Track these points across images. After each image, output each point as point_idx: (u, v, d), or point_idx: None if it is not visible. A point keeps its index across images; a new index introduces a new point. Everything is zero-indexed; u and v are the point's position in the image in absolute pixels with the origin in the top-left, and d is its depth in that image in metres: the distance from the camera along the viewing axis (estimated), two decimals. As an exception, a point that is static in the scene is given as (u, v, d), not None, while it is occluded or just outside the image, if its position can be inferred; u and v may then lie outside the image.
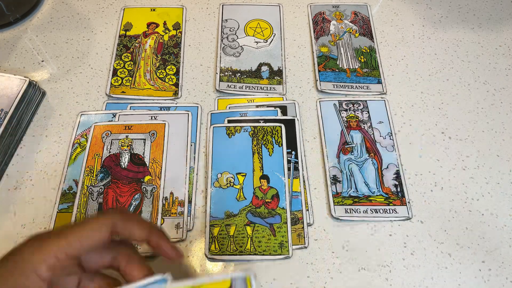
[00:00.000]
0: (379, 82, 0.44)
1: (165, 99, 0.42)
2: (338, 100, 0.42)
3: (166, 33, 0.47)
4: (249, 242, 0.34)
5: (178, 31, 0.47)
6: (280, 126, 0.40)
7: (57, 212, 0.36)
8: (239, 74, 0.44)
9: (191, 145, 0.39)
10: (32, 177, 0.38)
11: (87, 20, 0.49)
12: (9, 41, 0.46)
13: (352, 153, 0.39)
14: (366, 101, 0.42)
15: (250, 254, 0.34)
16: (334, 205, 0.36)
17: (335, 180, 0.38)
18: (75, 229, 0.23)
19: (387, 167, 0.39)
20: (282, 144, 0.39)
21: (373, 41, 0.47)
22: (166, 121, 0.40)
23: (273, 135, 0.39)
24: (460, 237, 0.35)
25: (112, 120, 0.41)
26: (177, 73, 0.44)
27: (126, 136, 0.39)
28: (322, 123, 0.41)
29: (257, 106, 0.42)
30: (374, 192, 0.37)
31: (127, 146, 0.39)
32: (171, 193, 0.37)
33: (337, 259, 0.34)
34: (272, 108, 0.42)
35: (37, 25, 0.48)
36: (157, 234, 0.25)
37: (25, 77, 0.40)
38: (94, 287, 0.26)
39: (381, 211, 0.36)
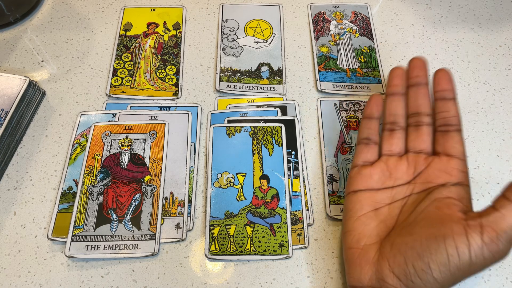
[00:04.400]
0: (379, 82, 0.44)
1: (165, 99, 0.42)
2: (338, 100, 0.42)
3: (166, 33, 0.47)
4: (249, 242, 0.34)
5: (178, 31, 0.47)
6: (280, 126, 0.40)
7: (57, 212, 0.36)
8: (239, 74, 0.44)
9: (191, 145, 0.39)
10: (32, 177, 0.38)
11: (87, 20, 0.49)
12: (9, 41, 0.46)
13: (351, 153, 0.39)
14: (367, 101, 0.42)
15: (250, 254, 0.34)
16: (329, 204, 0.36)
17: (331, 179, 0.38)
18: None
19: None
20: (282, 144, 0.39)
21: (373, 41, 0.47)
22: (166, 121, 0.40)
23: (273, 135, 0.39)
24: (460, 237, 0.35)
25: (112, 120, 0.41)
26: (177, 73, 0.44)
27: (126, 136, 0.39)
28: (321, 123, 0.41)
29: (257, 106, 0.42)
30: (373, 192, 0.37)
31: (127, 146, 0.39)
32: (171, 193, 0.37)
33: (337, 259, 0.34)
34: (272, 108, 0.42)
35: (37, 25, 0.48)
36: None
37: (25, 77, 0.40)
38: None
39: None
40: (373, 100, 0.34)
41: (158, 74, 0.44)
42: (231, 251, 0.34)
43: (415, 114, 0.33)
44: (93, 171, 0.37)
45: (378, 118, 0.34)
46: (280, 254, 0.34)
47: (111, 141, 0.39)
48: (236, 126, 0.40)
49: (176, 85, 0.43)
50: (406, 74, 0.35)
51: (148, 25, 0.48)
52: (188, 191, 0.37)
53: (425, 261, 0.25)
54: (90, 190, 0.36)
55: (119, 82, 0.43)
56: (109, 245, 0.34)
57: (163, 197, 0.36)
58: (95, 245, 0.34)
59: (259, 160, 0.38)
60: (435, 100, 0.33)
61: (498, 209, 0.25)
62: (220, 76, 0.44)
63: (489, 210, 0.25)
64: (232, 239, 0.34)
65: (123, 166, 0.38)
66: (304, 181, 0.38)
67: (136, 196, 0.36)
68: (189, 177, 0.38)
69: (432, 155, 0.32)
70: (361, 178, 0.32)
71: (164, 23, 0.48)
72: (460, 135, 0.31)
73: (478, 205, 0.37)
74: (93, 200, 0.36)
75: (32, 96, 0.41)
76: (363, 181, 0.31)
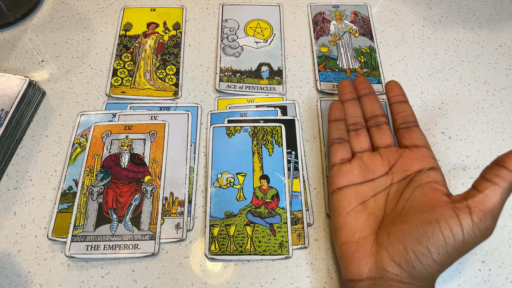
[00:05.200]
0: (379, 82, 0.44)
1: (165, 99, 0.42)
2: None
3: (166, 33, 0.47)
4: (249, 242, 0.34)
5: (178, 31, 0.47)
6: (280, 126, 0.40)
7: (57, 212, 0.36)
8: (239, 74, 0.44)
9: (191, 145, 0.39)
10: (32, 177, 0.38)
11: (87, 20, 0.49)
12: (9, 41, 0.46)
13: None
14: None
15: (250, 254, 0.34)
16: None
17: None
18: None
19: None
20: (282, 144, 0.39)
21: (373, 41, 0.47)
22: (166, 121, 0.40)
23: (273, 135, 0.39)
24: (460, 237, 0.35)
25: (112, 120, 0.41)
26: (177, 73, 0.44)
27: (126, 136, 0.39)
28: (321, 123, 0.41)
29: (257, 106, 0.42)
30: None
31: (127, 146, 0.39)
32: (171, 193, 0.37)
33: (337, 259, 0.34)
34: (272, 108, 0.42)
35: (37, 25, 0.48)
36: None
37: (25, 77, 0.40)
38: None
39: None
40: (334, 106, 0.37)
41: (158, 74, 0.44)
42: (231, 251, 0.34)
43: (373, 117, 0.37)
44: (93, 171, 0.37)
45: (343, 119, 0.37)
46: (280, 254, 0.34)
47: (111, 141, 0.39)
48: (236, 126, 0.40)
49: (176, 85, 0.43)
50: (352, 85, 0.39)
51: (148, 25, 0.48)
52: (188, 191, 0.37)
53: (424, 245, 0.27)
54: (90, 190, 0.36)
55: (119, 82, 0.43)
56: (109, 245, 0.34)
57: (163, 197, 0.36)
58: (95, 245, 0.34)
59: (259, 160, 0.38)
60: (391, 104, 0.37)
61: (481, 191, 0.27)
62: (220, 76, 0.44)
63: (472, 192, 0.27)
64: (232, 239, 0.34)
65: (123, 166, 0.38)
66: (304, 181, 0.38)
67: (136, 196, 0.36)
68: (189, 177, 0.38)
69: (400, 148, 0.34)
70: (343, 174, 0.33)
71: (164, 23, 0.48)
72: (420, 130, 0.35)
73: (478, 205, 0.37)
74: (93, 200, 0.36)
75: (32, 96, 0.41)
76: (345, 177, 0.33)
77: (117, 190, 0.37)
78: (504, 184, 0.26)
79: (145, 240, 0.34)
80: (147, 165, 0.38)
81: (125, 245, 0.34)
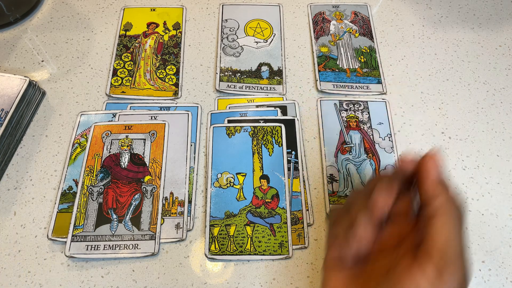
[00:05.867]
0: (379, 82, 0.44)
1: (165, 99, 0.42)
2: (338, 100, 0.42)
3: (166, 33, 0.47)
4: (249, 242, 0.34)
5: (178, 31, 0.47)
6: (280, 126, 0.40)
7: (57, 212, 0.36)
8: (239, 74, 0.44)
9: (191, 145, 0.39)
10: (32, 177, 0.38)
11: (87, 20, 0.49)
12: (9, 41, 0.46)
13: (350, 153, 0.39)
14: (367, 101, 0.42)
15: (250, 254, 0.34)
16: (329, 204, 0.36)
17: (331, 179, 0.38)
18: None
19: (385, 169, 0.39)
20: (282, 144, 0.39)
21: (373, 41, 0.47)
22: (166, 121, 0.40)
23: (273, 135, 0.39)
24: (460, 237, 0.35)
25: (112, 120, 0.41)
26: (177, 73, 0.44)
27: (126, 136, 0.39)
28: (322, 123, 0.41)
29: (257, 106, 0.42)
30: (373, 192, 0.37)
31: (127, 146, 0.39)
32: (171, 193, 0.37)
33: (337, 259, 0.34)
34: (272, 108, 0.42)
35: (37, 25, 0.48)
36: None
37: (25, 77, 0.40)
38: None
39: (381, 211, 0.36)
40: (380, 200, 0.25)
41: (158, 74, 0.44)
42: (231, 251, 0.34)
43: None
44: (93, 171, 0.37)
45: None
46: (280, 254, 0.34)
47: (111, 141, 0.39)
48: (236, 126, 0.40)
49: (176, 85, 0.43)
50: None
51: (148, 25, 0.48)
52: (188, 191, 0.37)
53: None
54: (90, 190, 0.36)
55: (119, 82, 0.43)
56: (109, 245, 0.34)
57: (163, 197, 0.36)
58: (95, 245, 0.34)
59: (259, 160, 0.38)
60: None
61: None
62: (220, 76, 0.44)
63: None
64: (232, 239, 0.34)
65: (123, 166, 0.38)
66: (304, 181, 0.38)
67: (136, 196, 0.36)
68: (189, 177, 0.38)
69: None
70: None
71: (164, 23, 0.48)
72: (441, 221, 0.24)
73: (479, 204, 0.37)
74: (93, 200, 0.36)
75: (32, 96, 0.41)
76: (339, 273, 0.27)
77: (117, 190, 0.37)
78: None
79: (145, 240, 0.34)
80: (147, 165, 0.38)
81: (125, 245, 0.34)
